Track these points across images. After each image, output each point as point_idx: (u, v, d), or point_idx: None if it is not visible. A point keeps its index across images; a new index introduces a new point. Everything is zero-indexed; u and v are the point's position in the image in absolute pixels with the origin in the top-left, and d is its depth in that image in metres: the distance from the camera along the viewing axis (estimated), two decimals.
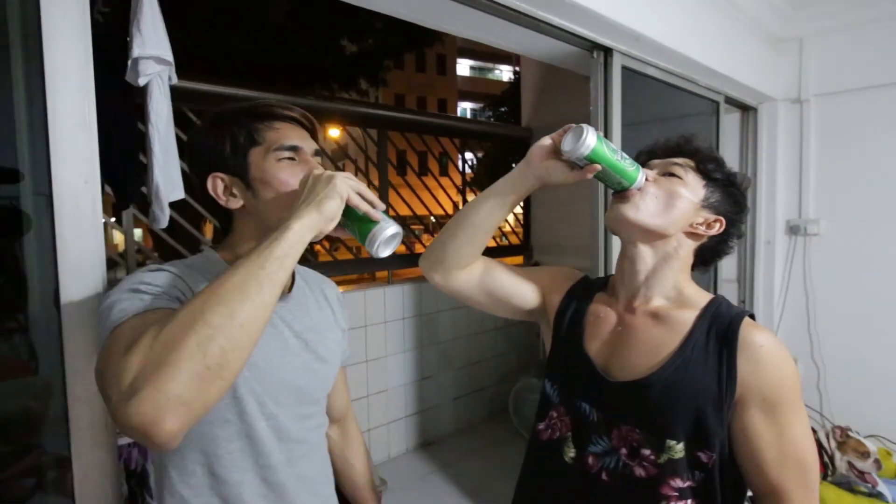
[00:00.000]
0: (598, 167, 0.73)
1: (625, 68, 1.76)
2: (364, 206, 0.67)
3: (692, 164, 0.81)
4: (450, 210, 3.54)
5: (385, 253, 0.68)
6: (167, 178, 1.11)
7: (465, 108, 27.37)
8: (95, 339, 0.80)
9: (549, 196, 3.61)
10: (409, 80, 23.31)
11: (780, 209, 2.82)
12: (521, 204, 3.81)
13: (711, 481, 0.71)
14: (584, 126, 0.71)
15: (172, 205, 1.18)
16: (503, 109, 15.71)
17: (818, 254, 2.72)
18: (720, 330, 0.73)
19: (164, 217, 1.16)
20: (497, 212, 0.81)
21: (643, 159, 0.85)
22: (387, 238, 0.67)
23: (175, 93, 1.18)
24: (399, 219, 3.89)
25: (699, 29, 1.98)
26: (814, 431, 2.36)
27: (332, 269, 2.83)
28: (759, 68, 2.55)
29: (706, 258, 0.83)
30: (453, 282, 0.86)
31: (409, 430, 3.03)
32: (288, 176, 0.72)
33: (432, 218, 3.66)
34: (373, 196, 0.68)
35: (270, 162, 0.73)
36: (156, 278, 0.66)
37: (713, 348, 0.72)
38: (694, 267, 0.83)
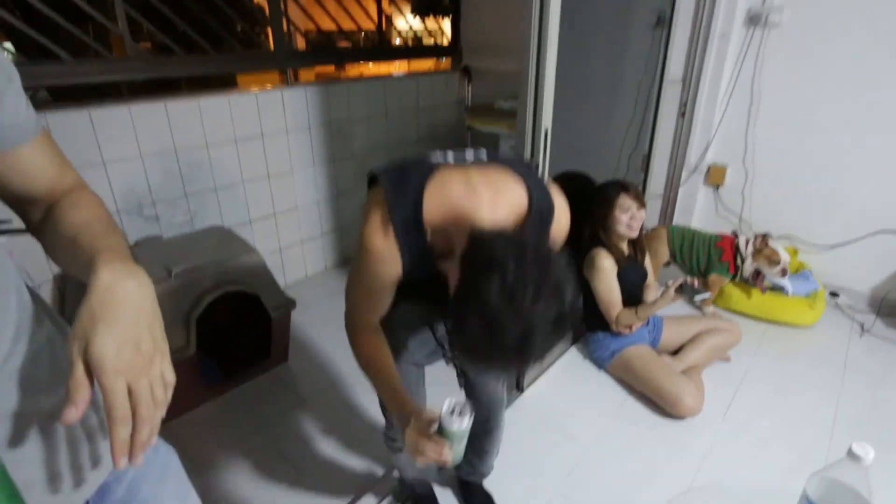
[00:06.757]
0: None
1: None
2: None
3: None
4: (382, 25, 2.91)
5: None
6: None
7: None
8: None
9: None
10: None
11: None
12: (449, 3, 3.18)
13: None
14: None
15: None
16: None
17: (774, 49, 2.43)
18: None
19: None
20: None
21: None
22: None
23: None
24: (323, 35, 3.21)
25: None
26: (735, 235, 2.35)
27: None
28: None
29: None
30: None
31: (326, 248, 2.86)
32: None
33: (362, 34, 3.05)
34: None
35: None
36: None
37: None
38: None
